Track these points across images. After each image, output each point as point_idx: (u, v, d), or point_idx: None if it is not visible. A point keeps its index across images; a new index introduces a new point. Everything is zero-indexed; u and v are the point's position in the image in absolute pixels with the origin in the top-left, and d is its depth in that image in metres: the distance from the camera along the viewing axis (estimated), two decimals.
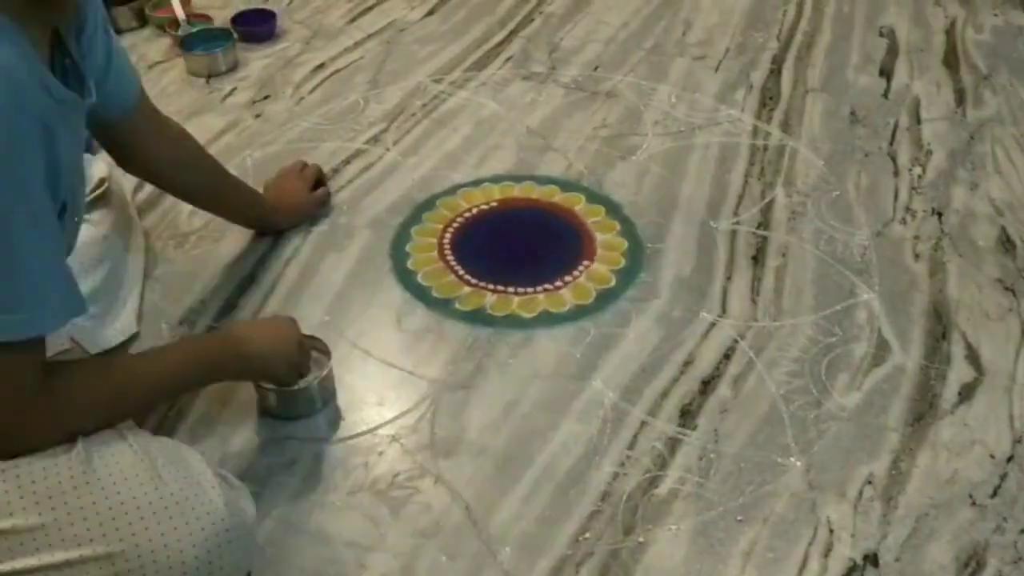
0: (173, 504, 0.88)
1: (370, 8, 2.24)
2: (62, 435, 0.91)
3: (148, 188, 1.65)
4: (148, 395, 1.06)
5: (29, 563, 0.85)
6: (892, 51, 2.08)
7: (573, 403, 1.28)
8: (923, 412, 1.27)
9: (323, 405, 1.26)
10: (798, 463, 1.20)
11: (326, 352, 1.27)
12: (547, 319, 1.41)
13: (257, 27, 2.09)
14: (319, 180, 1.61)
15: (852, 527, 1.13)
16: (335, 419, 1.26)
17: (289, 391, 1.22)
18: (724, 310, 1.42)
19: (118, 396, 0.97)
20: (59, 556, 0.85)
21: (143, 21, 2.15)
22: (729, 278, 1.48)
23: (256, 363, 1.15)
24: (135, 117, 1.23)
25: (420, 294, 1.45)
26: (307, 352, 1.23)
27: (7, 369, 0.86)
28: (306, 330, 1.33)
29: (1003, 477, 1.19)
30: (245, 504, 0.98)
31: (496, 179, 1.69)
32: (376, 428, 1.25)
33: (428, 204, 1.63)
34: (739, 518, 1.14)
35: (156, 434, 1.20)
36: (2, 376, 0.85)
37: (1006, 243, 1.56)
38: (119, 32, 2.12)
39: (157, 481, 0.89)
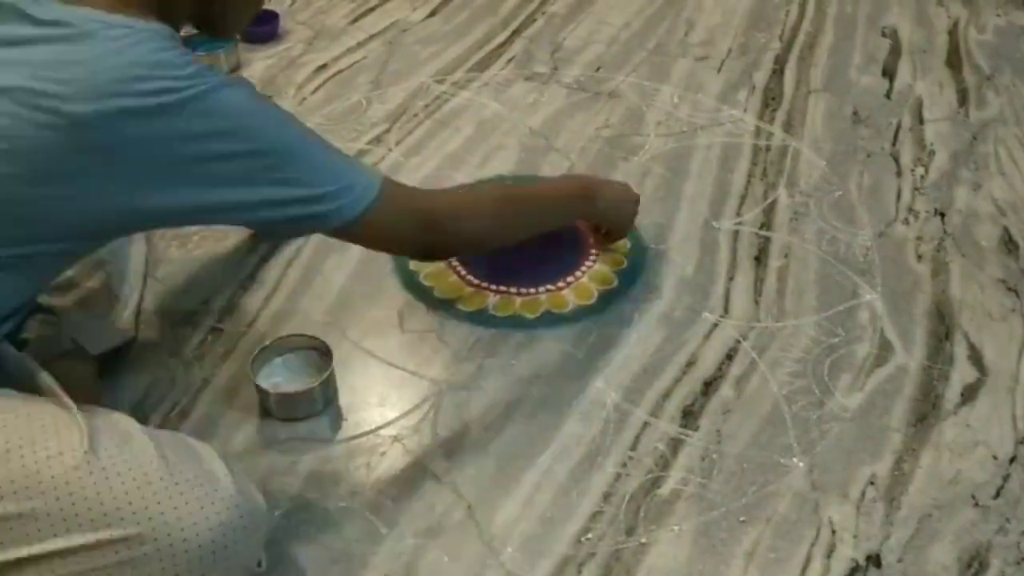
0: (188, 488, 0.88)
1: (372, 9, 2.25)
2: (467, 237, 1.17)
3: None
4: (531, 208, 1.30)
5: (46, 548, 0.85)
6: (895, 51, 2.08)
7: (575, 404, 1.28)
8: (926, 413, 1.27)
9: (324, 407, 1.26)
10: (800, 464, 1.20)
11: (328, 354, 1.27)
12: (549, 320, 1.41)
13: (259, 27, 2.09)
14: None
15: (855, 528, 1.13)
16: (337, 420, 1.26)
17: (290, 393, 1.23)
18: (726, 310, 1.42)
19: (505, 202, 1.24)
20: (76, 540, 0.85)
21: None
22: (731, 278, 1.48)
23: (606, 209, 1.42)
24: None
25: (422, 295, 1.45)
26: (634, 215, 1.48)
27: (406, 207, 1.08)
28: (308, 331, 1.33)
29: (1006, 478, 1.19)
30: (256, 494, 0.98)
31: (498, 179, 1.69)
32: (378, 428, 1.25)
33: None
34: (741, 519, 1.14)
35: None
36: (409, 211, 1.08)
37: (1009, 243, 1.55)
38: None
39: (169, 467, 0.90)
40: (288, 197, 0.96)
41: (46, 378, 0.99)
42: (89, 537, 0.85)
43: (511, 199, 1.27)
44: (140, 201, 0.91)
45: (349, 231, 1.02)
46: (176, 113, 0.87)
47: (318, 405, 1.25)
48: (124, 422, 0.95)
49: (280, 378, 1.28)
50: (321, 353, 1.28)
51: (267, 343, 1.29)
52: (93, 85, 0.84)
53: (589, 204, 1.39)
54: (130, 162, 0.88)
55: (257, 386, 1.23)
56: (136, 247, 1.44)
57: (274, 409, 1.24)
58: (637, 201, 1.48)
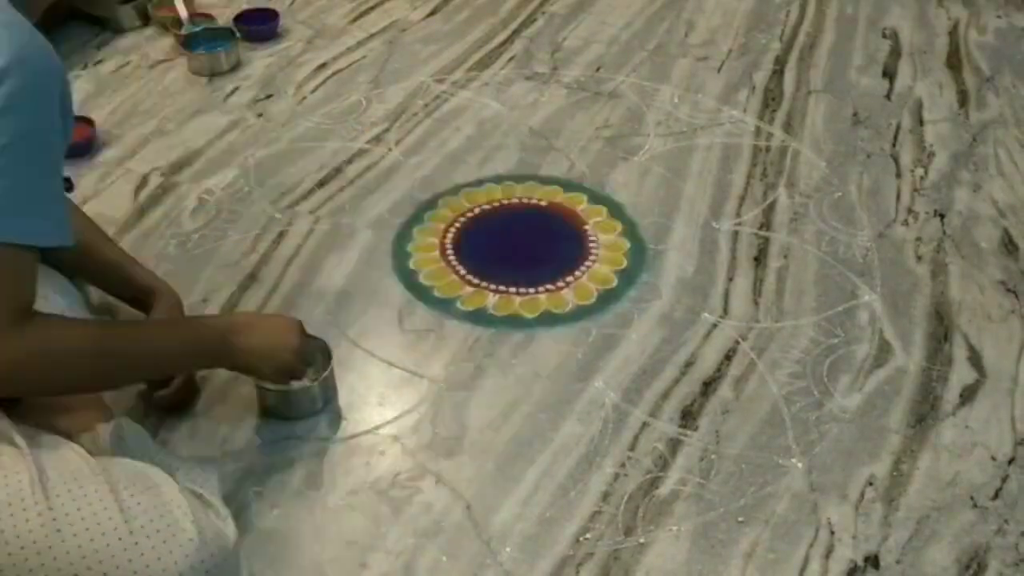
0: (143, 537, 0.87)
1: (372, 8, 2.24)
2: (39, 375, 0.90)
3: (151, 185, 1.65)
4: (135, 362, 1.02)
5: None
6: (895, 52, 2.08)
7: (574, 404, 1.28)
8: (925, 414, 1.27)
9: (323, 406, 1.26)
10: (799, 464, 1.20)
11: (327, 353, 1.27)
12: (549, 319, 1.41)
13: (260, 26, 2.09)
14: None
15: (853, 529, 1.13)
16: (336, 419, 1.26)
17: (289, 391, 1.22)
18: (726, 311, 1.42)
19: (104, 352, 0.96)
20: None
21: (146, 20, 2.15)
22: (731, 279, 1.48)
23: (247, 360, 1.12)
24: None
25: (422, 294, 1.45)
26: (303, 358, 1.19)
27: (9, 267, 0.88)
28: (309, 329, 1.33)
29: (1004, 479, 1.19)
30: (221, 525, 0.95)
31: (498, 179, 1.69)
32: (377, 428, 1.25)
33: (430, 204, 1.63)
34: (740, 519, 1.14)
35: (157, 432, 1.21)
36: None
37: (1008, 245, 1.55)
38: (123, 31, 2.12)
39: (126, 516, 0.87)
40: None
41: None
42: None
43: (109, 349, 0.98)
44: None
45: None
46: None
47: (317, 404, 1.25)
48: (74, 459, 0.92)
49: None
50: (320, 352, 1.27)
51: None
52: None
53: (226, 354, 1.11)
54: None
55: (257, 385, 1.23)
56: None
57: (273, 408, 1.24)
58: (298, 348, 1.16)
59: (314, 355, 1.26)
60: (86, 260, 1.23)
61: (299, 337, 1.17)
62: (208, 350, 1.10)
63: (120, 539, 0.86)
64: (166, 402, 1.22)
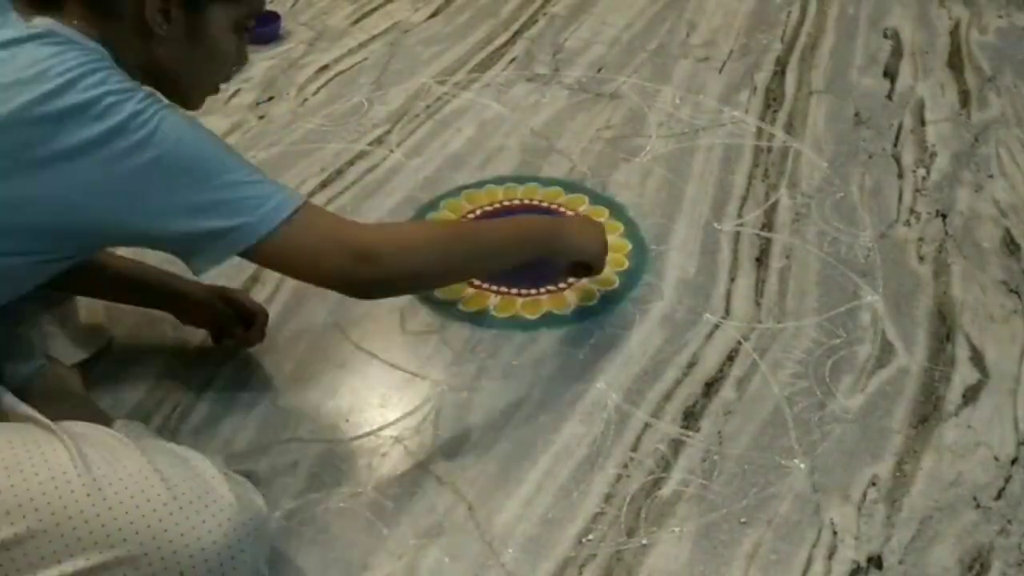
0: (187, 503, 0.88)
1: (374, 10, 2.25)
2: (409, 269, 1.04)
3: None
4: (482, 244, 1.15)
5: (51, 574, 0.84)
6: (896, 53, 2.08)
7: (576, 405, 1.28)
8: (927, 414, 1.27)
9: None
10: (802, 465, 1.20)
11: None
12: (550, 321, 1.41)
13: (261, 28, 2.09)
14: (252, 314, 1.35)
15: (856, 529, 1.13)
16: (339, 420, 1.26)
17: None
18: (728, 312, 1.42)
19: (453, 238, 1.12)
20: (81, 564, 0.85)
21: None
22: (733, 280, 1.48)
23: (569, 252, 1.29)
24: None
25: (423, 295, 1.45)
26: (605, 254, 1.34)
27: (329, 233, 0.98)
28: (310, 331, 1.34)
29: (1007, 479, 1.19)
30: (254, 496, 0.98)
31: (500, 180, 1.69)
32: (379, 429, 1.25)
33: (432, 205, 1.63)
34: (743, 520, 1.14)
35: (160, 434, 1.21)
36: (332, 239, 0.98)
37: (1010, 245, 1.55)
38: None
39: (167, 483, 0.89)
40: (198, 204, 0.91)
41: (10, 400, 0.98)
42: (94, 559, 0.85)
43: (458, 235, 1.16)
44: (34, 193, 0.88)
45: (265, 251, 0.95)
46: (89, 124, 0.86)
47: None
48: (108, 437, 0.94)
49: None
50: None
51: None
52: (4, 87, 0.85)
53: (552, 241, 1.25)
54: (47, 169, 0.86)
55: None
56: None
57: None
58: (603, 230, 1.34)
59: None
60: (107, 273, 1.25)
61: (603, 238, 1.33)
62: (539, 242, 1.23)
63: (165, 504, 0.87)
64: (237, 341, 1.32)
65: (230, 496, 0.91)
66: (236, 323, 1.32)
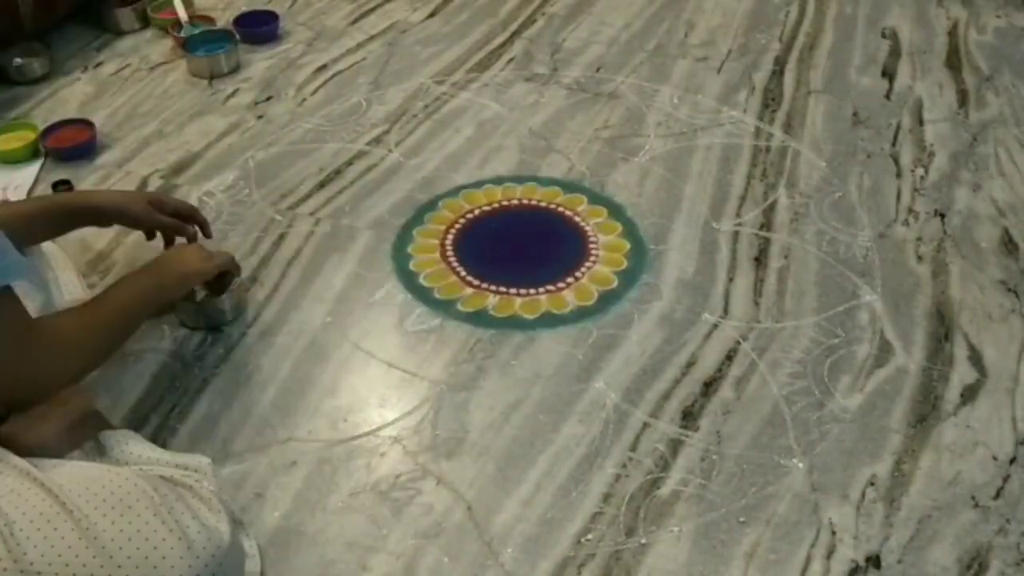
0: (131, 568, 0.85)
1: (372, 9, 2.25)
2: (61, 368, 1.03)
3: (151, 187, 1.66)
4: (117, 322, 1.15)
5: None
6: (895, 52, 2.08)
7: (575, 404, 1.28)
8: (926, 414, 1.27)
9: (234, 317, 1.39)
10: (800, 464, 1.20)
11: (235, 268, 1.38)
12: (549, 320, 1.41)
13: (259, 28, 2.10)
14: (225, 273, 1.37)
15: (854, 529, 1.13)
16: (337, 420, 1.26)
17: (198, 304, 1.36)
18: (726, 311, 1.42)
19: (94, 326, 1.10)
20: None
21: (145, 23, 2.15)
22: (731, 279, 1.48)
23: (173, 286, 1.28)
24: None
25: (422, 295, 1.45)
26: (213, 259, 1.33)
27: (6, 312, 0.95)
28: (309, 331, 1.33)
29: (1006, 479, 1.19)
30: (214, 521, 0.93)
31: (498, 180, 1.69)
32: (378, 429, 1.25)
33: (430, 205, 1.63)
34: (741, 520, 1.14)
35: (158, 434, 1.21)
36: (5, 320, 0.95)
37: (1008, 244, 1.55)
38: (121, 34, 2.12)
39: (105, 551, 0.85)
40: None
41: None
42: None
43: (96, 322, 1.12)
44: None
45: None
46: None
47: (226, 315, 1.38)
48: (38, 501, 0.89)
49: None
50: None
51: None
52: None
53: (160, 286, 1.25)
54: None
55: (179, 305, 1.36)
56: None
57: (184, 319, 1.38)
58: (203, 257, 1.32)
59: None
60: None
61: (202, 254, 1.32)
62: (158, 286, 1.24)
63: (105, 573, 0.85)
64: (215, 290, 1.37)
65: (177, 545, 0.87)
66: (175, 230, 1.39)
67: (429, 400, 1.28)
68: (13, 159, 1.71)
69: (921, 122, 1.85)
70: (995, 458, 1.21)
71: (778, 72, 2.01)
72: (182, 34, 2.04)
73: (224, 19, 2.14)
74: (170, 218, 1.37)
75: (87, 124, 1.77)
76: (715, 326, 1.40)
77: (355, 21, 2.20)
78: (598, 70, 2.01)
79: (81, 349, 1.07)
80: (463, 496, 1.16)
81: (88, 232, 1.48)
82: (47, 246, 1.37)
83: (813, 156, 1.75)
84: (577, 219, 1.60)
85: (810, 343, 1.37)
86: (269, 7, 2.20)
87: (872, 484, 1.18)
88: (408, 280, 1.48)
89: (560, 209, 1.62)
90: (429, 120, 1.85)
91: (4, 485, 0.91)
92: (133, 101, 1.90)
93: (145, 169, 1.70)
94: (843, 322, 1.40)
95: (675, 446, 1.22)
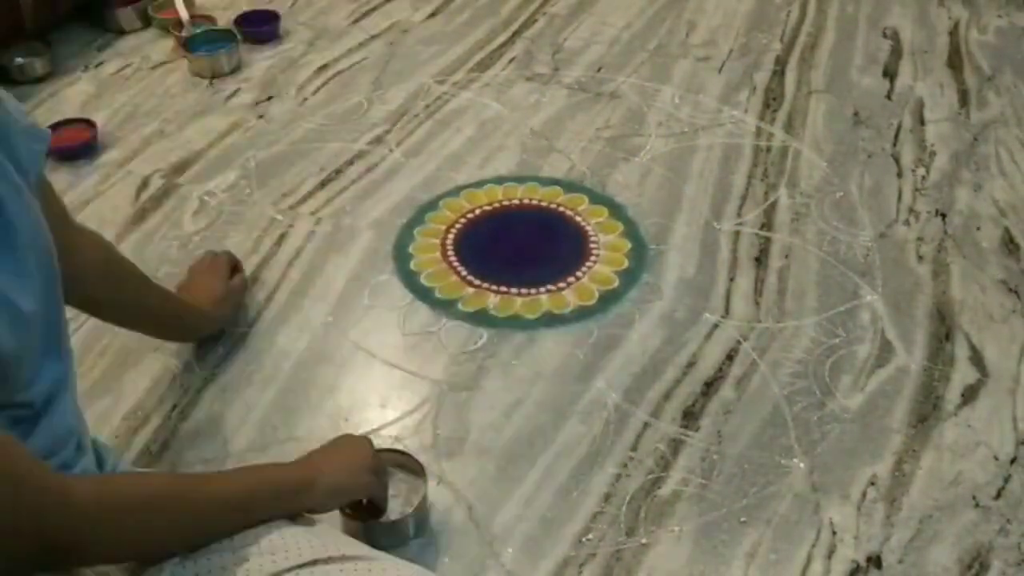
0: None
1: (373, 9, 2.24)
2: (103, 545, 0.75)
3: (152, 187, 1.66)
4: (209, 516, 0.85)
5: None
6: (896, 52, 2.08)
7: (576, 404, 1.28)
8: (927, 414, 1.27)
9: (416, 535, 1.10)
10: (801, 464, 1.20)
11: (420, 471, 1.12)
12: (550, 320, 1.41)
13: (260, 28, 2.10)
14: (233, 267, 1.41)
15: (855, 529, 1.13)
16: (338, 420, 1.26)
17: (379, 524, 1.07)
18: (727, 311, 1.42)
19: (166, 502, 0.81)
20: None
21: (147, 22, 2.15)
22: (732, 279, 1.48)
23: (330, 496, 0.98)
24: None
25: (423, 295, 1.45)
26: (383, 476, 1.08)
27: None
28: (309, 330, 1.33)
29: (1007, 479, 1.19)
30: None
31: (499, 180, 1.69)
32: (379, 429, 1.25)
33: (431, 205, 1.63)
34: (742, 519, 1.14)
35: (159, 434, 1.21)
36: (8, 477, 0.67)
37: (1010, 244, 1.55)
38: (123, 33, 2.12)
39: None
40: None
41: None
42: None
43: (175, 498, 0.83)
44: None
45: None
46: None
47: (409, 533, 1.10)
48: None
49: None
50: (410, 471, 1.13)
51: None
52: None
53: (298, 499, 0.93)
54: None
55: (341, 512, 1.06)
56: None
57: (360, 538, 0.99)
58: (375, 468, 1.05)
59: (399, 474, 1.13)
60: (137, 311, 1.19)
61: (372, 456, 1.04)
62: (294, 491, 0.93)
63: None
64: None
65: None
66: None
67: (430, 400, 1.28)
68: None
69: (922, 122, 1.85)
70: (996, 458, 1.21)
71: (779, 72, 2.00)
72: (183, 34, 2.04)
73: (225, 19, 2.14)
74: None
75: (88, 124, 1.77)
76: (716, 326, 1.40)
77: (356, 21, 2.20)
78: (599, 70, 2.01)
79: (108, 523, 0.75)
80: (464, 496, 1.16)
81: None
82: None
83: (814, 156, 1.75)
84: (578, 219, 1.60)
85: (811, 343, 1.37)
86: (270, 7, 2.20)
87: (873, 484, 1.18)
88: (409, 280, 1.48)
89: (561, 209, 1.62)
90: (430, 120, 1.85)
91: None
92: (134, 101, 1.90)
93: (146, 169, 1.70)
94: (844, 322, 1.40)
95: (676, 446, 1.22)
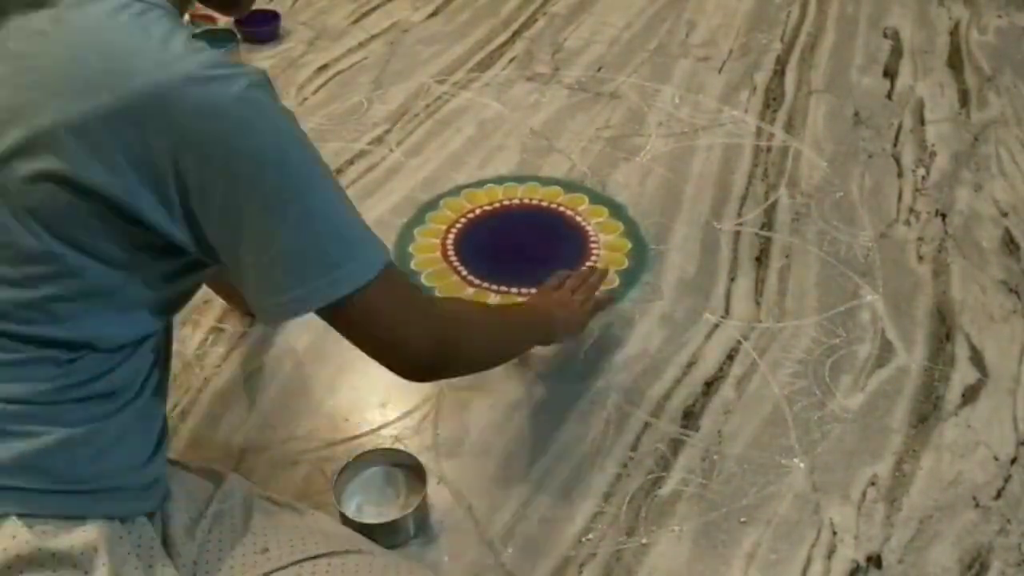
0: None
1: (374, 9, 2.25)
2: (468, 345, 0.94)
3: None
4: (510, 329, 1.08)
5: None
6: (896, 52, 2.08)
7: (576, 404, 1.28)
8: (927, 414, 1.27)
9: (416, 533, 1.11)
10: (801, 464, 1.20)
11: (420, 472, 1.13)
12: None
13: (261, 28, 2.10)
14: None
15: (855, 529, 1.13)
16: (338, 420, 1.26)
17: (377, 524, 1.08)
18: (727, 311, 1.42)
19: (490, 322, 1.03)
20: None
21: None
22: (733, 279, 1.48)
23: (555, 324, 1.19)
24: None
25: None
26: (585, 309, 1.26)
27: (403, 292, 0.88)
28: (309, 330, 1.33)
29: (1007, 479, 1.19)
30: None
31: (499, 180, 1.69)
32: (379, 429, 1.25)
33: (431, 205, 1.63)
34: (742, 519, 1.14)
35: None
36: (404, 300, 0.87)
37: (1010, 244, 1.55)
38: None
39: None
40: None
41: None
42: None
43: (498, 321, 1.08)
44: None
45: (345, 309, 0.82)
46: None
47: (410, 533, 1.10)
48: None
49: (361, 497, 1.13)
50: (411, 471, 1.14)
51: (350, 460, 1.13)
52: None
53: (545, 330, 1.18)
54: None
55: (342, 514, 1.08)
56: None
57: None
58: (582, 321, 1.27)
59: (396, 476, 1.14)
60: None
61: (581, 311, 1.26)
62: (539, 332, 1.17)
63: None
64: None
65: None
66: None
67: (430, 399, 1.28)
68: None
69: (922, 122, 1.85)
70: (996, 458, 1.21)
71: (779, 72, 2.00)
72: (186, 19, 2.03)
73: (225, 18, 2.14)
74: None
75: None
76: (716, 326, 1.40)
77: (356, 20, 2.20)
78: (599, 70, 2.01)
79: (486, 336, 1.00)
80: (464, 495, 1.16)
81: None
82: None
83: (814, 156, 1.75)
84: (578, 219, 1.60)
85: (811, 343, 1.37)
86: (270, 6, 2.20)
87: (873, 484, 1.18)
88: (409, 279, 1.48)
89: (561, 209, 1.62)
90: (430, 119, 1.85)
91: None
92: None
93: None
94: (844, 322, 1.40)
95: (676, 446, 1.22)
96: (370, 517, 1.09)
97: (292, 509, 0.93)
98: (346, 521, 1.08)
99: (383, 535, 1.06)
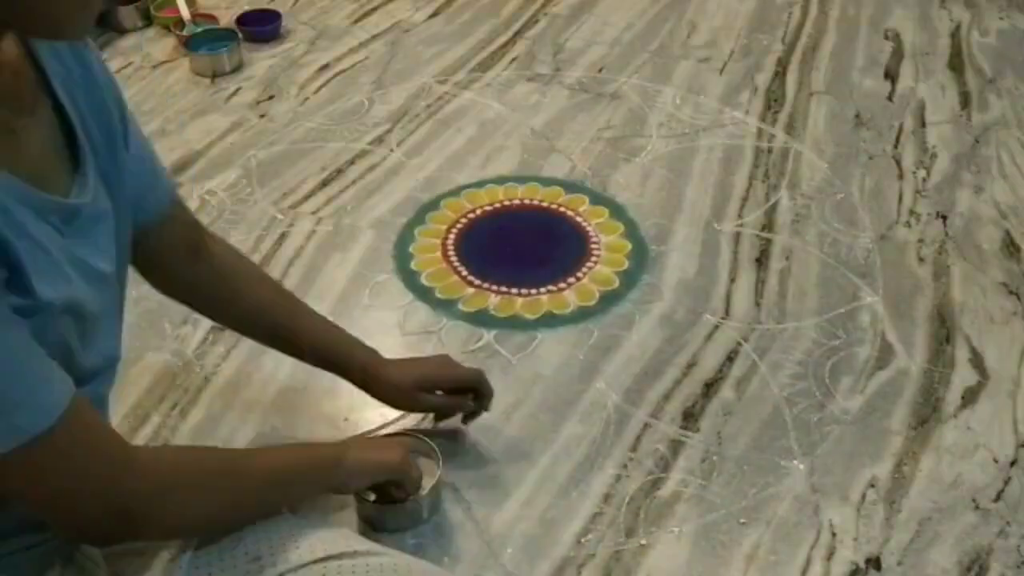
0: None
1: (375, 9, 2.25)
2: (169, 517, 0.78)
3: None
4: (257, 490, 0.89)
5: None
6: (897, 54, 2.08)
7: (576, 405, 1.28)
8: (927, 416, 1.27)
9: (429, 517, 1.12)
10: (801, 466, 1.20)
11: (434, 455, 1.12)
12: (550, 321, 1.41)
13: (262, 27, 2.10)
14: (476, 392, 1.19)
15: (855, 530, 1.13)
16: (338, 420, 1.26)
17: (391, 507, 1.09)
18: (727, 312, 1.42)
19: (218, 472, 0.85)
20: None
21: (148, 21, 2.15)
22: (733, 280, 1.48)
23: (360, 472, 1.01)
24: (162, 230, 0.93)
25: (423, 295, 1.45)
26: (409, 464, 1.07)
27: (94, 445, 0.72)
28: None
29: (1007, 481, 1.19)
30: None
31: (500, 180, 1.69)
32: (378, 429, 1.25)
33: (432, 205, 1.63)
34: (742, 521, 1.14)
35: (159, 433, 1.21)
36: (82, 451, 0.70)
37: (1011, 247, 1.55)
38: (124, 32, 2.12)
39: None
40: None
41: None
42: None
43: (230, 473, 0.86)
44: None
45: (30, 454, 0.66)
46: None
47: (423, 516, 1.12)
48: None
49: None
50: (424, 455, 1.13)
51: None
52: None
53: (331, 473, 0.98)
54: None
55: (357, 496, 1.09)
56: None
57: (374, 521, 1.11)
58: (400, 443, 1.10)
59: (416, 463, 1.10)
60: (290, 339, 1.12)
61: (402, 448, 1.07)
62: (321, 475, 0.98)
63: None
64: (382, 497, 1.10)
65: None
66: (450, 408, 1.20)
67: None
68: None
69: (923, 124, 1.85)
70: (996, 460, 1.21)
71: (780, 73, 2.00)
72: (185, 32, 2.04)
73: (227, 18, 2.14)
74: (441, 398, 1.16)
75: None
76: (716, 327, 1.40)
77: (357, 20, 2.20)
78: (600, 70, 2.01)
79: (192, 490, 0.80)
80: (463, 495, 1.16)
81: None
82: None
83: (815, 157, 1.75)
84: (579, 219, 1.60)
85: (811, 344, 1.37)
86: (271, 6, 2.20)
87: (872, 486, 1.18)
88: (409, 279, 1.48)
89: (562, 209, 1.62)
90: (431, 120, 1.85)
91: None
92: (135, 99, 1.90)
93: None
94: (844, 324, 1.40)
95: (676, 447, 1.22)
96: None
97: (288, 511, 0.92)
98: (361, 504, 1.08)
99: (397, 518, 1.07)
